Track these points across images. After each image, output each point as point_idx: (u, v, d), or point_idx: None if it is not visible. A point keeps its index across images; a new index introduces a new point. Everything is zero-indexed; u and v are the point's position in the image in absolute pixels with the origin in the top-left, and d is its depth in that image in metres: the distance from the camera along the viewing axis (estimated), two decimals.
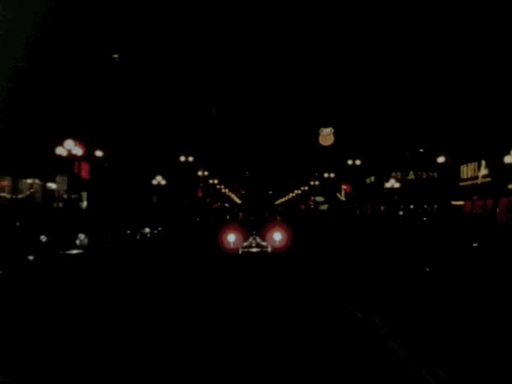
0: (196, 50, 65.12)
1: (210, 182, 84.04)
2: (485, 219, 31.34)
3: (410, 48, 50.52)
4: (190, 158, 55.68)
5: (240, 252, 21.33)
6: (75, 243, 21.80)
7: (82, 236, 22.04)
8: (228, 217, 34.61)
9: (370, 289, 14.45)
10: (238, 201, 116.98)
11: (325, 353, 8.41)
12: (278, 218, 27.13)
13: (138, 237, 30.61)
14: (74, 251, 21.37)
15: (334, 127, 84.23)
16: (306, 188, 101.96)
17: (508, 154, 31.22)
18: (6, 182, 30.56)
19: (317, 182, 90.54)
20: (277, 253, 21.30)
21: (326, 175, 72.85)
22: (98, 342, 9.05)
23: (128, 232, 29.41)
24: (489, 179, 37.96)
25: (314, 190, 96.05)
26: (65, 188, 32.43)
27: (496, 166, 33.64)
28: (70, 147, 30.08)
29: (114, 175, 41.52)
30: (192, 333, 9.67)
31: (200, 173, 73.38)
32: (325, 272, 18.09)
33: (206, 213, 63.19)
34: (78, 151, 30.68)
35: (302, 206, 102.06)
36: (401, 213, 52.87)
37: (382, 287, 14.75)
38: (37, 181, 33.99)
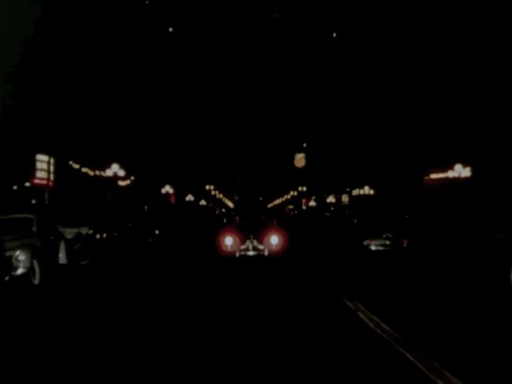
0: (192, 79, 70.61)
1: (217, 196, 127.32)
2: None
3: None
4: (212, 187, 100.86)
5: (237, 255, 21.35)
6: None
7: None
8: (225, 220, 35.61)
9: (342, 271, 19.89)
10: (232, 205, 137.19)
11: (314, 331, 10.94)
12: (275, 221, 27.02)
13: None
14: None
15: (305, 153, 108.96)
16: (284, 199, 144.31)
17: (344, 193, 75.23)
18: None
19: (289, 196, 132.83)
20: (273, 256, 21.49)
21: (291, 193, 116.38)
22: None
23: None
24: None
25: (289, 200, 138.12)
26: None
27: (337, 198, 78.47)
28: (167, 189, 73.89)
29: (183, 202, 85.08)
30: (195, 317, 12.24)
31: (213, 192, 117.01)
32: (315, 271, 20.98)
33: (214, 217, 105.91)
34: (170, 191, 74.41)
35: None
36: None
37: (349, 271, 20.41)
38: None
